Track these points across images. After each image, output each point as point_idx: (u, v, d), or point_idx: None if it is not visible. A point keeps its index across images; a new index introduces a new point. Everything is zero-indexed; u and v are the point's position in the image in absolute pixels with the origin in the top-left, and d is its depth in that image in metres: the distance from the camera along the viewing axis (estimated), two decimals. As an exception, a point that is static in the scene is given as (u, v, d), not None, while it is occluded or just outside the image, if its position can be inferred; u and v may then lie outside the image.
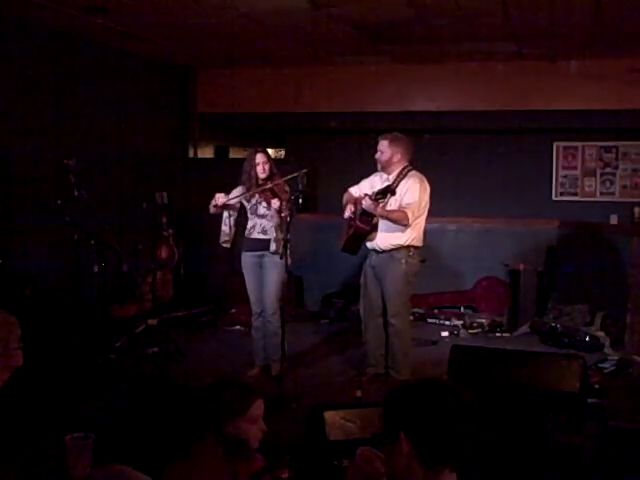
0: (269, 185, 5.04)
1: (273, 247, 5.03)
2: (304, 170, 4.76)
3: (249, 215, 5.27)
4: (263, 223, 5.17)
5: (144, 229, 6.55)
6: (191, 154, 8.28)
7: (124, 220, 6.72)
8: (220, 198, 5.10)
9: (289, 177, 4.92)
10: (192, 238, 7.50)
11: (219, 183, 7.48)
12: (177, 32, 6.26)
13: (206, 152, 8.59)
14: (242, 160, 5.39)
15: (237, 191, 5.22)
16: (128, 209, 6.73)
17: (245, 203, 5.25)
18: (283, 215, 4.96)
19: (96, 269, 5.51)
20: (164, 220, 6.50)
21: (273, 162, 5.24)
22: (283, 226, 4.96)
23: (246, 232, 5.28)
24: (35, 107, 5.91)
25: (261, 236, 5.15)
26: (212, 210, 5.16)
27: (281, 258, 4.80)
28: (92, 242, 5.45)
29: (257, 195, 5.14)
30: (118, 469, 2.09)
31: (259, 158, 5.14)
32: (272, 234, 5.07)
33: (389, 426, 1.79)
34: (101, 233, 5.48)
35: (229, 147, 9.18)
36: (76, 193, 5.28)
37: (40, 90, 5.96)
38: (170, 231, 6.58)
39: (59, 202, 5.32)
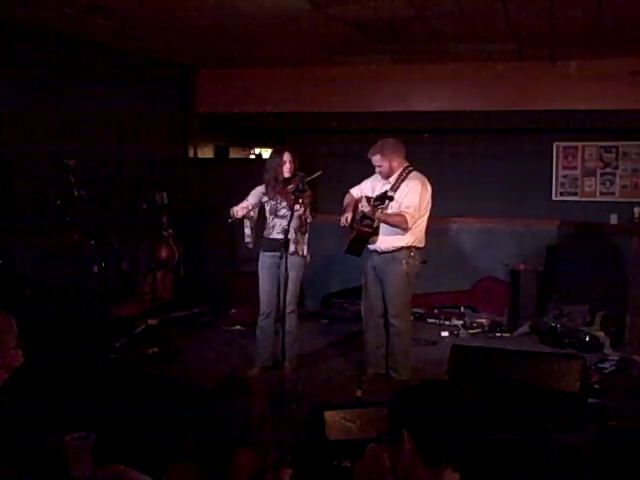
0: (292, 186, 5.05)
1: (292, 248, 5.03)
2: (319, 173, 4.94)
3: (268, 215, 5.27)
4: (283, 224, 5.14)
5: (144, 229, 6.54)
6: (191, 154, 8.27)
7: (124, 220, 6.71)
8: (238, 211, 5.09)
9: (309, 179, 4.94)
10: (192, 238, 7.50)
11: (219, 183, 7.54)
12: (177, 32, 6.25)
13: (206, 152, 8.58)
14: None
15: (257, 192, 5.22)
16: (128, 209, 6.72)
17: (265, 201, 5.23)
18: (304, 218, 5.01)
19: (96, 269, 5.51)
20: (164, 220, 6.49)
21: (297, 161, 5.23)
22: (303, 228, 5.03)
23: (265, 232, 5.28)
24: (35, 107, 5.90)
25: (280, 237, 5.11)
26: (230, 220, 5.14)
27: (281, 258, 4.82)
28: (92, 242, 5.45)
29: (279, 196, 5.14)
30: (118, 469, 2.09)
31: (286, 156, 5.13)
32: (292, 235, 5.05)
33: (392, 424, 1.81)
34: (101, 233, 5.48)
35: (229, 147, 9.17)
36: (76, 193, 5.27)
37: (40, 90, 5.96)
38: (170, 231, 6.57)
39: (59, 202, 5.32)
